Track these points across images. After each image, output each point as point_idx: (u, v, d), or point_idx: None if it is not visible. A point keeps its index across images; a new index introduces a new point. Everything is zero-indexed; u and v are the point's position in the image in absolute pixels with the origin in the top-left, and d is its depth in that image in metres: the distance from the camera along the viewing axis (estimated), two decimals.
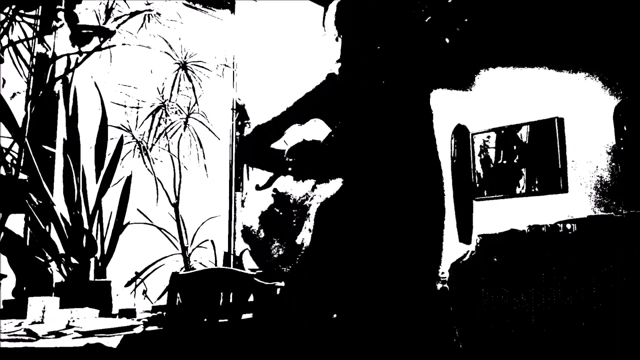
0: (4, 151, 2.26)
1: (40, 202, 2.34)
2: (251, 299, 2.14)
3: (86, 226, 2.47)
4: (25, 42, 2.40)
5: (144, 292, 2.70)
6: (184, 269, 2.90)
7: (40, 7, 2.38)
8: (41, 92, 2.44)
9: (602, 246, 2.70)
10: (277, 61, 3.72)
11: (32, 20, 2.36)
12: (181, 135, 3.00)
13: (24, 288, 2.31)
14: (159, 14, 2.76)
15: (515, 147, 3.65)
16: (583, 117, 3.39)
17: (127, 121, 2.88)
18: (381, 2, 1.73)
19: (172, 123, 2.98)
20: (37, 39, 2.42)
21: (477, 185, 3.80)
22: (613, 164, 3.22)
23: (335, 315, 1.67)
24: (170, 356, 1.87)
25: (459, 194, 3.88)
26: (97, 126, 2.63)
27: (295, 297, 1.71)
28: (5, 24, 2.19)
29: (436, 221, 1.72)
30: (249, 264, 3.23)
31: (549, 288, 2.80)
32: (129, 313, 2.28)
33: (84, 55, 2.37)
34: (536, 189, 3.52)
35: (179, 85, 3.02)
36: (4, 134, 2.29)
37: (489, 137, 3.78)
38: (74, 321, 1.94)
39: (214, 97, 3.26)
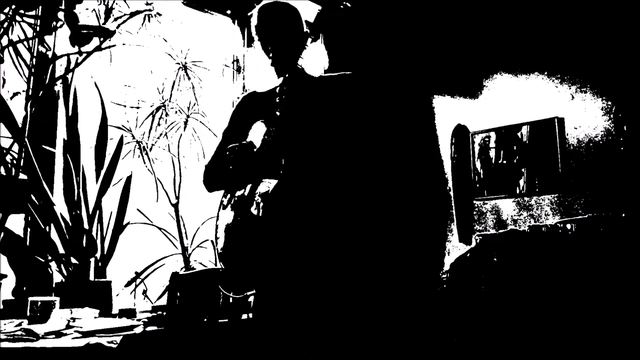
0: (4, 151, 2.26)
1: (40, 202, 2.34)
2: (251, 299, 2.14)
3: (86, 226, 2.47)
4: (25, 42, 2.40)
5: (144, 292, 2.70)
6: (184, 269, 2.90)
7: (40, 7, 2.38)
8: (41, 92, 2.44)
9: (602, 246, 2.70)
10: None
11: (32, 20, 2.35)
12: (181, 135, 3.00)
13: (24, 288, 2.31)
14: (159, 14, 2.76)
15: (515, 147, 3.65)
16: (583, 117, 3.39)
17: (127, 121, 2.88)
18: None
19: (172, 123, 2.98)
20: (37, 39, 2.42)
21: (477, 185, 3.80)
22: (613, 164, 3.22)
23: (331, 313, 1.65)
24: (170, 356, 1.87)
25: (459, 194, 3.88)
26: (97, 126, 2.63)
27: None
28: (5, 24, 2.19)
29: (438, 222, 1.72)
30: None
31: (549, 288, 2.80)
32: (129, 313, 2.28)
33: (84, 55, 2.36)
34: (536, 189, 3.52)
35: (179, 85, 3.02)
36: (4, 134, 2.29)
37: (489, 137, 3.78)
38: (74, 321, 1.94)
39: (214, 97, 3.26)
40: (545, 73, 3.57)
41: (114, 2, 2.53)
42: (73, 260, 2.42)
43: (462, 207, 3.85)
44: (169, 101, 2.97)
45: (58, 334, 1.75)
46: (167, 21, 2.85)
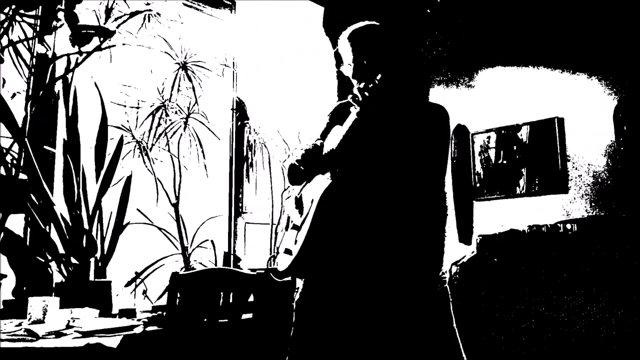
0: (4, 151, 2.26)
1: (40, 202, 2.34)
2: (251, 299, 2.14)
3: (86, 226, 2.47)
4: (25, 42, 2.40)
5: (144, 292, 2.70)
6: (184, 269, 2.90)
7: (40, 7, 2.38)
8: (41, 92, 2.44)
9: (602, 246, 2.70)
10: (277, 61, 3.72)
11: (32, 20, 2.35)
12: (181, 135, 3.00)
13: (24, 288, 2.31)
14: (159, 14, 2.75)
15: (515, 147, 3.65)
16: (583, 117, 3.39)
17: (127, 121, 2.88)
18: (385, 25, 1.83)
19: (172, 123, 2.98)
20: (37, 39, 2.42)
21: (477, 185, 3.80)
22: (613, 164, 3.22)
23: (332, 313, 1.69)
24: (170, 356, 1.87)
25: (459, 194, 3.88)
26: (97, 126, 2.63)
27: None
28: (5, 24, 2.19)
29: (438, 222, 1.73)
30: (249, 264, 3.24)
31: (549, 288, 2.80)
32: (129, 313, 2.28)
33: (84, 55, 2.36)
34: (536, 189, 3.52)
35: (179, 85, 3.02)
36: (4, 134, 2.29)
37: (489, 137, 3.78)
38: (74, 321, 1.94)
39: (214, 97, 3.26)
40: (546, 73, 3.57)
41: (114, 2, 2.53)
42: (73, 260, 2.42)
43: (462, 207, 3.85)
44: (169, 101, 2.97)
45: (58, 334, 1.75)
46: (167, 21, 2.85)
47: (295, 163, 1.85)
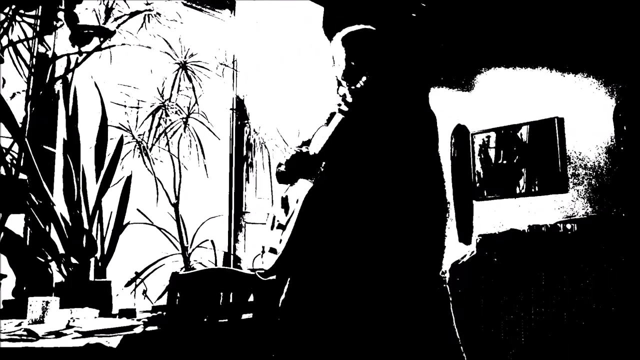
0: (4, 151, 2.26)
1: (40, 202, 2.34)
2: (251, 299, 2.14)
3: (86, 226, 2.47)
4: (25, 42, 2.40)
5: (144, 292, 2.70)
6: (184, 269, 2.90)
7: (40, 7, 2.38)
8: (41, 92, 2.44)
9: (602, 246, 2.70)
10: (277, 61, 3.72)
11: (32, 20, 2.35)
12: (181, 135, 3.00)
13: (24, 288, 2.31)
14: (159, 14, 2.75)
15: (515, 147, 3.65)
16: (583, 117, 3.39)
17: (127, 121, 2.88)
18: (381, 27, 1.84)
19: (172, 123, 2.98)
20: (37, 39, 2.42)
21: (477, 185, 3.80)
22: (613, 164, 3.22)
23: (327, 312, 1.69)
24: (170, 356, 1.87)
25: (459, 194, 3.88)
26: (97, 126, 2.63)
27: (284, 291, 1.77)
28: (5, 24, 2.19)
29: (438, 222, 1.73)
30: (249, 264, 3.24)
31: (549, 288, 2.80)
32: (129, 313, 2.29)
33: (84, 55, 2.36)
34: (536, 189, 3.52)
35: (179, 85, 3.02)
36: (4, 134, 2.29)
37: (489, 137, 3.78)
38: (74, 321, 1.94)
39: (214, 97, 3.26)
40: (546, 73, 3.57)
41: (114, 2, 2.53)
42: (73, 260, 2.42)
43: (462, 207, 3.85)
44: (169, 101, 2.97)
45: (58, 334, 1.75)
46: (167, 21, 2.85)
47: (282, 169, 1.86)
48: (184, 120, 3.01)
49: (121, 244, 2.62)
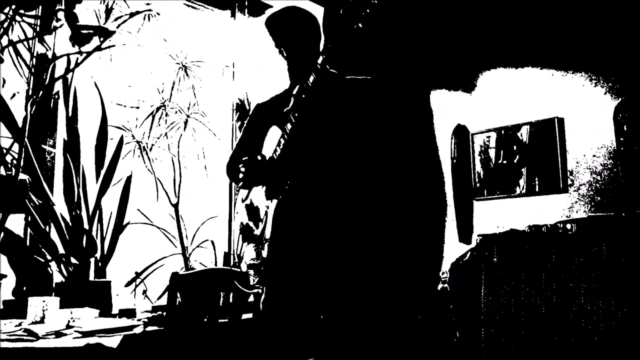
0: (4, 151, 2.26)
1: (40, 202, 2.34)
2: (251, 299, 2.14)
3: (86, 226, 2.47)
4: (25, 42, 2.39)
5: (144, 292, 2.70)
6: (184, 269, 2.90)
7: (40, 7, 2.38)
8: (41, 92, 2.43)
9: (602, 246, 2.70)
10: (277, 61, 3.71)
11: (32, 20, 2.35)
12: (181, 135, 3.00)
13: (24, 288, 2.31)
14: (159, 14, 2.75)
15: (515, 147, 3.65)
16: (583, 117, 3.38)
17: (127, 121, 2.88)
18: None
19: (172, 123, 2.98)
20: (37, 39, 2.42)
21: (477, 185, 3.80)
22: (613, 164, 3.22)
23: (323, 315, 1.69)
24: (170, 356, 1.87)
25: (459, 194, 3.88)
26: (97, 126, 2.63)
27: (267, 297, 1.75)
28: (5, 24, 2.19)
29: (438, 222, 1.73)
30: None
31: (549, 288, 2.80)
32: (129, 313, 2.29)
33: (84, 55, 2.36)
34: (536, 189, 3.52)
35: (179, 85, 3.02)
36: (4, 134, 2.29)
37: (489, 137, 3.78)
38: (74, 321, 1.94)
39: (214, 97, 3.26)
40: (546, 73, 3.57)
41: (114, 2, 2.53)
42: (73, 260, 2.42)
43: (462, 207, 3.85)
44: (169, 101, 2.97)
45: (58, 334, 1.75)
46: (167, 21, 2.85)
47: (241, 177, 1.81)
48: (184, 120, 3.01)
49: (121, 244, 2.62)
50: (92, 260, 2.47)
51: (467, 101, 3.93)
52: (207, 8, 3.43)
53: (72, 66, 2.46)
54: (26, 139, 2.25)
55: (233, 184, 2.03)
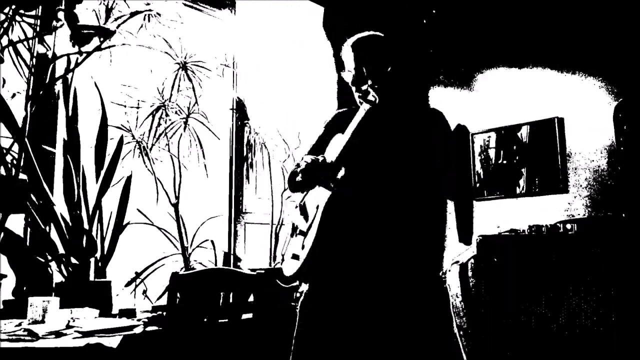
0: (4, 151, 2.26)
1: (40, 202, 2.34)
2: (251, 299, 2.14)
3: (86, 226, 2.47)
4: (25, 42, 2.39)
5: (144, 292, 2.70)
6: (184, 269, 2.90)
7: (40, 7, 2.38)
8: (41, 92, 2.43)
9: (602, 246, 2.70)
10: (277, 61, 3.72)
11: (32, 20, 2.35)
12: (181, 135, 3.00)
13: (24, 288, 2.31)
14: (159, 14, 2.75)
15: (515, 147, 3.65)
16: (583, 117, 3.38)
17: (127, 121, 2.88)
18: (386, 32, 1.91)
19: (172, 123, 2.98)
20: (37, 39, 2.42)
21: (477, 185, 3.80)
22: (613, 164, 3.22)
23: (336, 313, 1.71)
24: (170, 356, 1.87)
25: (459, 194, 3.88)
26: (97, 126, 2.63)
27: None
28: (5, 24, 2.19)
29: (438, 222, 1.74)
30: (249, 264, 3.23)
31: (549, 288, 2.80)
32: (129, 313, 2.28)
33: (84, 55, 2.36)
34: (536, 189, 3.52)
35: (179, 85, 3.02)
36: (4, 134, 2.29)
37: (489, 137, 3.78)
38: (74, 321, 1.94)
39: (214, 97, 3.26)
40: (546, 73, 3.57)
41: (114, 2, 2.53)
42: (73, 260, 2.42)
43: (462, 207, 3.85)
44: (169, 101, 2.97)
45: (58, 334, 1.75)
46: (167, 21, 2.85)
47: (299, 179, 1.87)
48: (184, 120, 3.00)
49: (121, 244, 2.62)
50: (92, 260, 2.47)
51: (467, 101, 3.93)
52: (207, 8, 3.43)
53: (72, 66, 2.46)
54: (26, 139, 2.26)
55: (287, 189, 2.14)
